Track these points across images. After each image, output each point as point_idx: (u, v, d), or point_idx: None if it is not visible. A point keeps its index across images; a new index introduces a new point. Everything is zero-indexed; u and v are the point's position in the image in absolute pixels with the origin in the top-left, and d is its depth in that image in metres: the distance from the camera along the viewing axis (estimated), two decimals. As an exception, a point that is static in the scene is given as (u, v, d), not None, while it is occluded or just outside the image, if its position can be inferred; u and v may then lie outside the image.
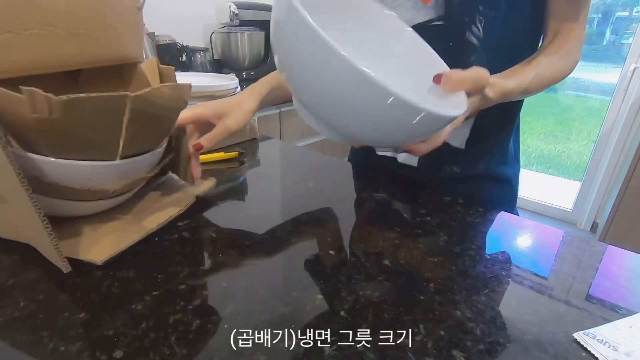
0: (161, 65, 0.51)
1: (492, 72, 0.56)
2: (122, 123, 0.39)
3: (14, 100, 0.33)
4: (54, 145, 0.37)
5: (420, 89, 0.44)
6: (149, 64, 0.50)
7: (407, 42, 0.50)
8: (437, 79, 0.40)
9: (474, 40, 0.55)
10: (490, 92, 0.44)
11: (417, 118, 0.33)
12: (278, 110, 1.46)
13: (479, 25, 0.54)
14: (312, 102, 0.37)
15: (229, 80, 0.82)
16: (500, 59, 0.56)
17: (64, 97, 0.34)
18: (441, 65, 0.47)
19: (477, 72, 0.41)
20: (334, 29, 0.45)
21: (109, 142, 0.40)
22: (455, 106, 0.39)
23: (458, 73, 0.40)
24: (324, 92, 0.34)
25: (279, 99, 0.65)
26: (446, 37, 0.56)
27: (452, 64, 0.56)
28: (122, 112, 0.38)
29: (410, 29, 0.51)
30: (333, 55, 0.31)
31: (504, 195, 0.67)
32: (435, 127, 0.37)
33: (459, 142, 0.62)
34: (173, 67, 0.51)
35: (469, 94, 0.42)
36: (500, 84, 0.46)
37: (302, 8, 0.31)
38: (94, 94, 0.35)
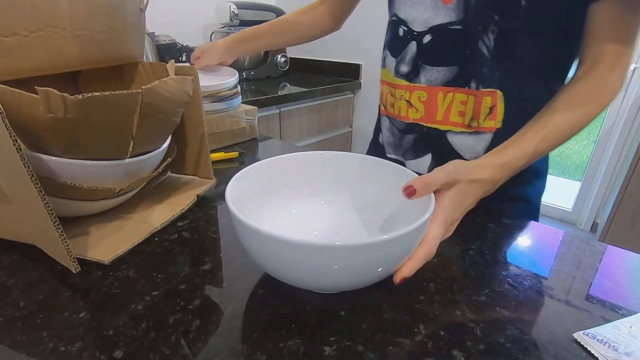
0: (180, 65, 0.51)
1: (507, 91, 0.52)
2: (134, 121, 0.39)
3: (29, 100, 0.33)
4: (66, 145, 0.38)
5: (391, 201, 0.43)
6: (170, 66, 0.50)
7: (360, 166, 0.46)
8: (409, 194, 0.36)
9: (485, 52, 0.51)
10: (482, 174, 0.40)
11: (363, 254, 0.29)
12: (278, 111, 1.45)
13: (490, 36, 0.50)
14: (286, 279, 0.34)
15: (230, 75, 0.82)
16: (517, 77, 0.52)
17: (79, 96, 0.34)
18: (404, 171, 0.42)
19: (440, 172, 0.38)
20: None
21: (120, 140, 0.40)
22: (422, 209, 0.35)
23: (422, 181, 0.37)
24: (286, 270, 0.32)
25: (253, 49, 0.87)
26: (462, 44, 0.52)
27: (467, 73, 0.54)
28: (134, 110, 0.39)
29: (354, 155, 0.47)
30: (265, 239, 0.30)
31: (521, 213, 0.59)
32: (406, 246, 0.32)
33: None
34: (195, 67, 0.51)
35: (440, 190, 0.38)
36: (492, 162, 0.42)
37: (234, 207, 0.32)
38: (107, 93, 0.35)
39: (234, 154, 0.72)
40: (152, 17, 1.36)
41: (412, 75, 0.58)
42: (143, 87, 0.38)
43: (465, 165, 0.40)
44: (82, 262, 0.39)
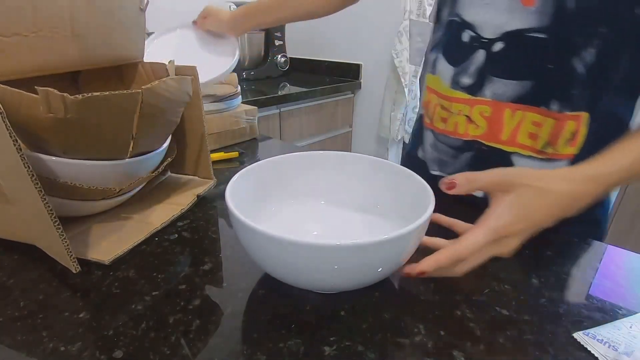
0: (181, 65, 0.51)
1: (593, 114, 0.44)
2: (134, 121, 0.39)
3: (29, 100, 0.33)
4: (66, 145, 0.38)
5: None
6: (170, 66, 0.50)
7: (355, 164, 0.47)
8: (448, 187, 0.33)
9: (581, 69, 0.42)
10: (558, 184, 0.33)
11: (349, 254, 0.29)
12: (278, 111, 1.45)
13: (592, 51, 0.41)
14: (292, 282, 0.35)
15: (229, 54, 0.78)
16: (608, 98, 0.44)
17: (79, 96, 0.34)
18: (405, 172, 0.42)
19: (493, 170, 0.33)
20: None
21: (120, 140, 0.41)
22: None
23: (465, 175, 0.33)
24: (286, 270, 0.32)
25: (260, 25, 0.82)
26: (545, 56, 0.44)
27: (545, 91, 0.45)
28: (134, 110, 0.39)
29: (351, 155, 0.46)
30: (265, 239, 0.30)
31: (587, 237, 0.49)
32: (406, 246, 0.32)
33: None
34: (195, 67, 0.50)
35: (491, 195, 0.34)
36: (578, 172, 0.34)
37: (235, 209, 0.32)
38: (107, 93, 0.35)
39: (234, 154, 0.72)
40: (152, 17, 1.36)
41: (475, 88, 0.49)
42: (143, 87, 0.38)
43: (532, 171, 0.33)
44: (82, 262, 0.39)
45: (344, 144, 1.84)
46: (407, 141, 1.71)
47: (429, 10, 1.45)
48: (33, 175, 0.33)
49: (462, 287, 0.38)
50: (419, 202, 0.37)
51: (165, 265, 0.40)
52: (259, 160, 0.43)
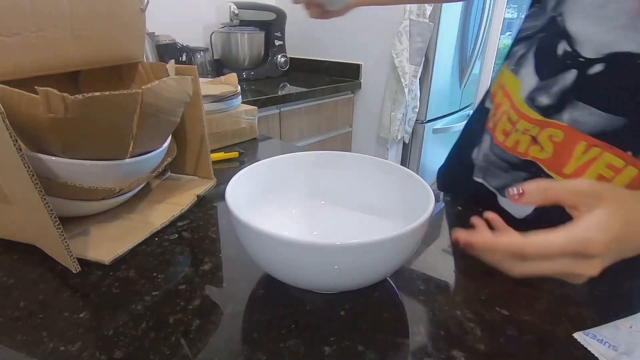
0: (181, 65, 0.51)
1: None
2: (134, 121, 0.39)
3: (29, 100, 0.33)
4: (66, 145, 0.38)
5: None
6: (170, 66, 0.50)
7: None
8: (515, 196, 0.29)
9: None
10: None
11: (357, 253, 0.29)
12: (278, 111, 1.45)
13: None
14: (294, 282, 0.35)
15: None
16: None
17: (79, 96, 0.34)
18: (404, 172, 0.42)
19: (575, 180, 0.29)
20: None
21: (120, 140, 0.41)
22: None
23: (536, 183, 0.28)
24: (286, 270, 0.32)
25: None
26: None
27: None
28: (134, 110, 0.39)
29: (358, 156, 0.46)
30: (266, 239, 0.30)
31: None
32: (406, 246, 0.32)
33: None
34: (195, 67, 0.50)
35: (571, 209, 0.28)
36: None
37: (235, 209, 0.32)
38: (107, 93, 0.35)
39: (234, 154, 0.72)
40: (152, 17, 1.36)
41: (551, 110, 0.42)
42: (143, 87, 0.38)
43: (623, 189, 0.28)
44: (82, 262, 0.39)
45: (344, 144, 1.84)
46: (407, 141, 1.71)
47: (429, 10, 1.45)
48: (33, 175, 0.33)
49: (462, 287, 0.38)
50: (419, 202, 0.37)
51: (165, 265, 0.40)
52: (259, 160, 0.43)
